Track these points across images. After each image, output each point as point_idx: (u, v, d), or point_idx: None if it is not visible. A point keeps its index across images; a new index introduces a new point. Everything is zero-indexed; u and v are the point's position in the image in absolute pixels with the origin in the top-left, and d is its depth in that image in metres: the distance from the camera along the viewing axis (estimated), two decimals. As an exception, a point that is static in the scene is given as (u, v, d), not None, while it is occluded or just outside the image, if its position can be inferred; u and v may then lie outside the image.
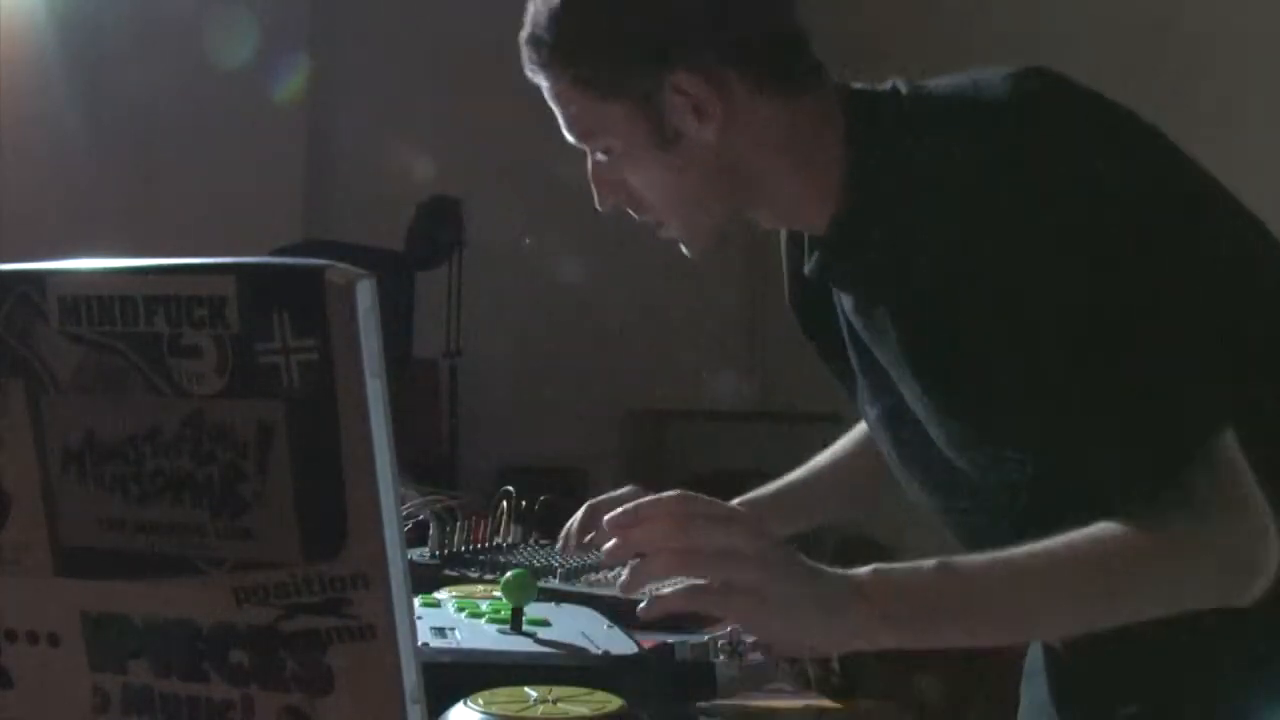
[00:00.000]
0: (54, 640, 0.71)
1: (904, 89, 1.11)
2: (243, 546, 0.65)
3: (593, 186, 1.19)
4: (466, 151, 4.82)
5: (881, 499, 1.48)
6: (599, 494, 1.49)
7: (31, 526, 0.69)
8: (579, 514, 1.44)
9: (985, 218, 1.00)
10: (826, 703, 1.30)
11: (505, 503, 1.83)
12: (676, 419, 5.21)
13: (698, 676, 1.28)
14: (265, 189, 4.44)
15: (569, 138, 1.18)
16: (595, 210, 1.25)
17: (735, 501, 1.41)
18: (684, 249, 1.21)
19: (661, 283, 4.85)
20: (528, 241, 4.87)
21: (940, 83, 1.10)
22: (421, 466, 3.36)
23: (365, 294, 0.61)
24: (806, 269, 1.18)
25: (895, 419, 1.19)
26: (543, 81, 1.16)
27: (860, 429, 1.46)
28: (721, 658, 1.33)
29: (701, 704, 1.26)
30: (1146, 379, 0.97)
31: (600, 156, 1.17)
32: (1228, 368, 1.00)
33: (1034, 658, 1.30)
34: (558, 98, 1.16)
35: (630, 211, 1.19)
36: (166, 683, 0.68)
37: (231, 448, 0.64)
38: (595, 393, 5.11)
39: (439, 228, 4.43)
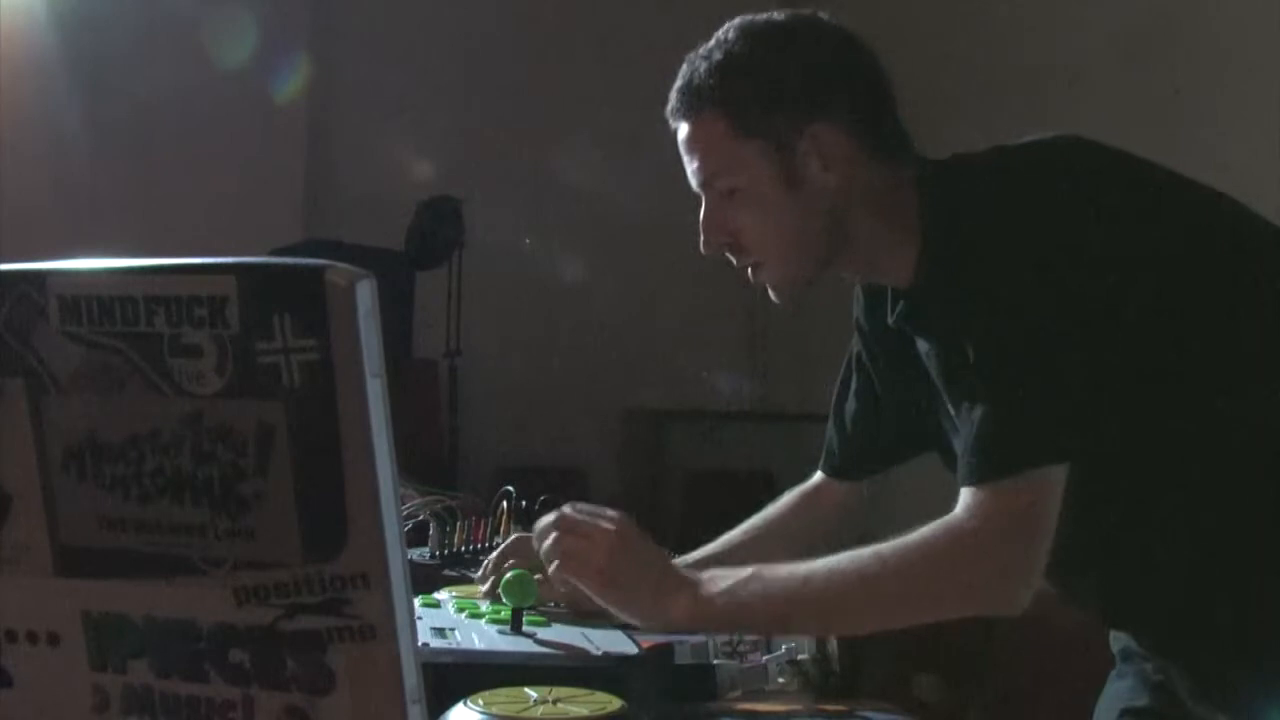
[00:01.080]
0: (54, 640, 0.71)
1: (963, 163, 1.29)
2: (243, 546, 0.65)
3: (702, 230, 1.33)
4: (466, 151, 4.82)
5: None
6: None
7: (31, 526, 0.69)
8: (504, 544, 1.54)
9: (997, 275, 1.18)
10: (826, 703, 1.30)
11: (505, 503, 1.83)
12: (676, 419, 5.21)
13: (697, 677, 1.28)
14: (265, 189, 4.44)
15: (693, 182, 1.34)
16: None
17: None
18: (772, 293, 1.36)
19: (661, 283, 4.85)
20: (528, 241, 4.87)
21: (990, 155, 1.27)
22: (421, 466, 3.37)
23: (365, 294, 0.61)
24: (890, 319, 1.32)
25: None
26: (686, 125, 1.31)
27: (782, 503, 1.61)
28: (721, 659, 1.33)
29: (701, 704, 1.26)
30: (1028, 392, 1.15)
31: (714, 197, 1.32)
32: (1091, 421, 1.16)
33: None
34: (697, 140, 1.31)
35: (730, 256, 1.34)
36: (167, 683, 0.68)
37: (231, 448, 0.64)
38: (595, 393, 5.11)
39: (439, 228, 4.44)
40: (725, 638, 1.42)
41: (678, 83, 1.32)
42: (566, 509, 1.33)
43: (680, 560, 1.55)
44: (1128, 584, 1.27)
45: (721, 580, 1.23)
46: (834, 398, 1.57)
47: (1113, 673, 1.42)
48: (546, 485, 2.03)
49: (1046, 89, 3.95)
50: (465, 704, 1.00)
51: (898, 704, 1.32)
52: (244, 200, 4.28)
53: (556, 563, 1.28)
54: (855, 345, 1.52)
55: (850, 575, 1.18)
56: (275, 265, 0.63)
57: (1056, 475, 1.14)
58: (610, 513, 1.32)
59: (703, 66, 1.30)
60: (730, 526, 1.60)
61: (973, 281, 1.20)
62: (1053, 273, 1.16)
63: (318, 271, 0.61)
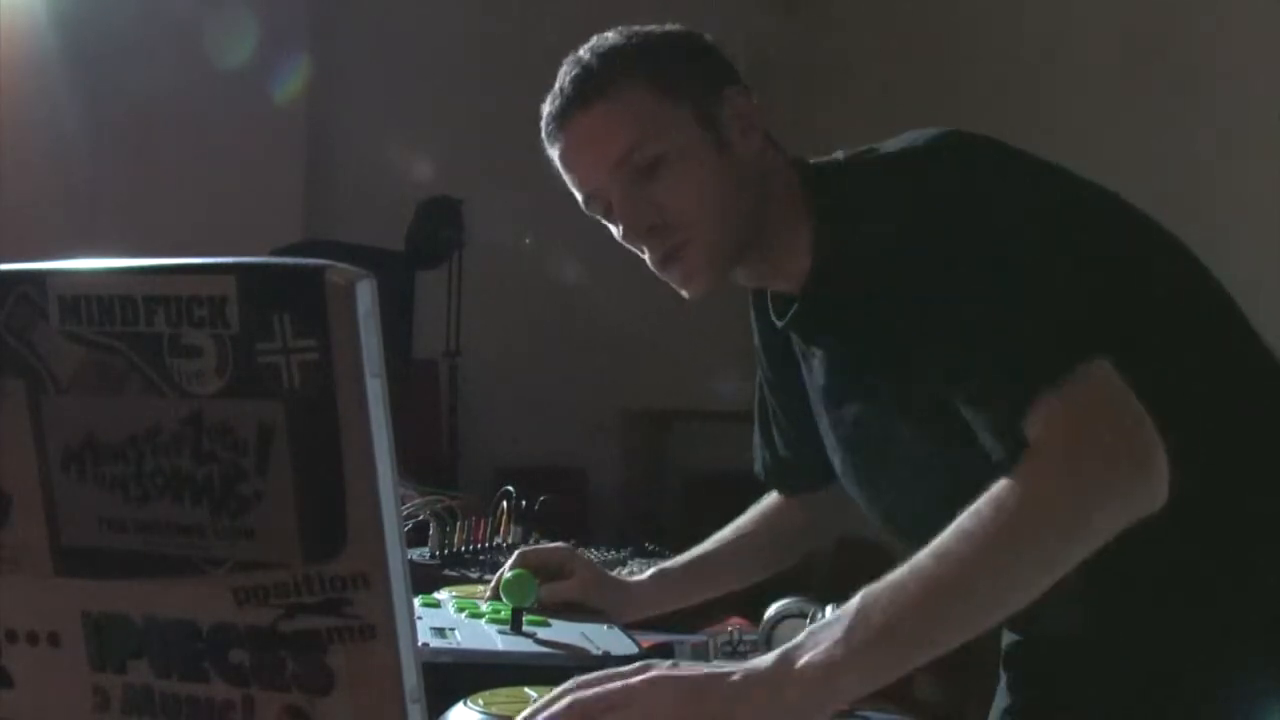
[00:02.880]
0: (54, 640, 0.71)
1: (843, 157, 1.27)
2: (243, 546, 0.65)
3: (622, 215, 1.28)
4: (466, 151, 4.82)
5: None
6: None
7: (31, 526, 0.69)
8: (510, 561, 1.47)
9: (914, 215, 1.15)
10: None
11: (505, 503, 1.84)
12: (676, 419, 5.21)
13: (698, 676, 1.28)
14: (265, 189, 4.44)
15: (591, 180, 1.29)
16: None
17: (649, 573, 1.53)
18: (685, 285, 1.31)
19: (661, 283, 4.85)
20: (528, 241, 4.87)
21: (879, 149, 1.25)
22: (421, 466, 3.36)
23: (365, 294, 0.61)
24: (779, 323, 1.31)
25: (863, 451, 1.29)
26: (592, 108, 1.26)
27: (761, 505, 1.59)
28: (721, 658, 1.33)
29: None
30: (1031, 303, 1.07)
31: (628, 179, 1.25)
32: (1110, 312, 1.08)
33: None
34: (611, 115, 1.25)
35: (647, 245, 1.29)
36: (167, 683, 0.68)
37: (231, 448, 0.64)
38: (595, 393, 5.11)
39: (439, 228, 4.44)
40: (726, 637, 1.42)
41: (568, 77, 1.28)
42: (570, 686, 0.94)
43: (669, 564, 1.56)
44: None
45: (829, 631, 0.96)
46: (755, 415, 1.56)
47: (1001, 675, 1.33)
48: (546, 485, 2.03)
49: (1046, 89, 3.95)
50: (465, 704, 1.00)
51: (898, 704, 1.31)
52: (244, 200, 4.27)
53: None
54: (757, 365, 1.51)
55: (963, 552, 0.97)
56: (275, 265, 0.63)
57: (1105, 366, 1.01)
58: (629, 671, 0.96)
59: (604, 46, 1.28)
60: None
61: (885, 265, 1.14)
62: (978, 200, 1.14)
63: (318, 271, 0.61)
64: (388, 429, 0.62)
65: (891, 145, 1.24)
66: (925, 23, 4.51)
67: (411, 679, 0.64)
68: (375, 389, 0.61)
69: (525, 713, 0.92)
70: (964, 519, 0.98)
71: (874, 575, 1.00)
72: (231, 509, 0.65)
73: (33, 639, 0.71)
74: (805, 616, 1.36)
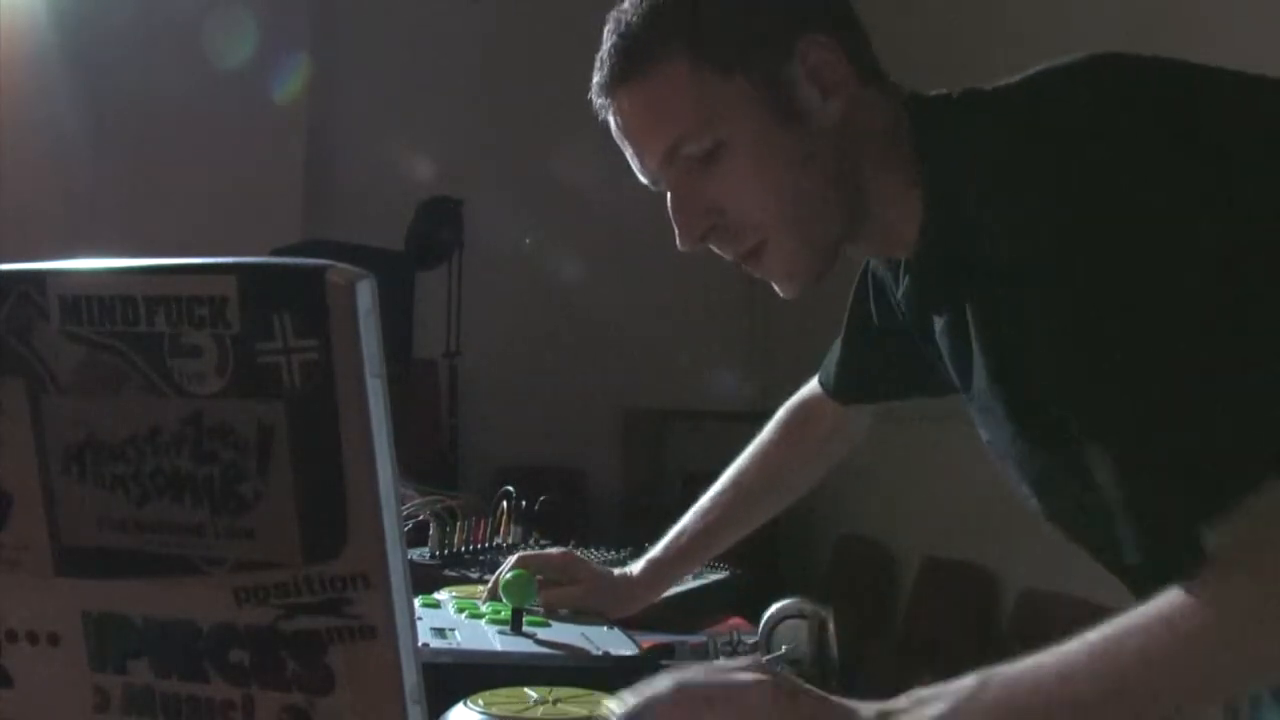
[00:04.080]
0: (54, 640, 0.71)
1: (965, 95, 1.01)
2: (243, 546, 0.65)
3: (676, 218, 1.05)
4: (466, 151, 4.83)
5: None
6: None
7: (31, 526, 0.69)
8: (508, 562, 1.45)
9: (1046, 213, 0.87)
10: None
11: (505, 503, 1.83)
12: (676, 419, 5.21)
13: (698, 677, 1.28)
14: (265, 189, 4.44)
15: (646, 166, 1.06)
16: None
17: (640, 564, 1.50)
18: (782, 284, 1.07)
19: (661, 283, 4.85)
20: (528, 241, 4.87)
21: (1007, 84, 0.96)
22: (421, 466, 3.37)
23: (365, 294, 0.61)
24: (899, 295, 1.10)
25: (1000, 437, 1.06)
26: (629, 88, 1.04)
27: (764, 434, 1.53)
28: (721, 658, 1.33)
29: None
30: (1224, 388, 0.81)
31: (690, 170, 1.03)
32: None
33: None
34: (651, 100, 1.03)
35: (717, 247, 1.06)
36: (167, 683, 0.68)
37: (231, 448, 0.64)
38: (595, 393, 5.11)
39: (439, 228, 4.44)
40: (726, 637, 1.42)
41: (609, 42, 1.04)
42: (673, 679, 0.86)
43: (657, 551, 1.53)
44: None
45: (935, 703, 0.85)
46: (846, 318, 1.37)
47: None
48: (546, 485, 2.03)
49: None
50: (465, 704, 1.00)
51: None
52: (244, 200, 4.28)
53: None
54: (854, 300, 1.33)
55: (1130, 675, 0.81)
56: (275, 265, 0.63)
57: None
58: (742, 670, 0.87)
59: (644, 7, 1.03)
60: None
61: (1004, 238, 0.90)
62: (1120, 219, 0.84)
63: (318, 271, 0.61)
64: (388, 429, 0.62)
65: (1016, 80, 0.95)
66: (925, 22, 4.51)
67: (411, 679, 0.64)
68: (375, 389, 0.61)
69: (629, 698, 0.84)
70: (1126, 632, 0.81)
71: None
72: (231, 509, 0.65)
73: (33, 639, 0.71)
74: (805, 617, 1.36)
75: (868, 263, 1.25)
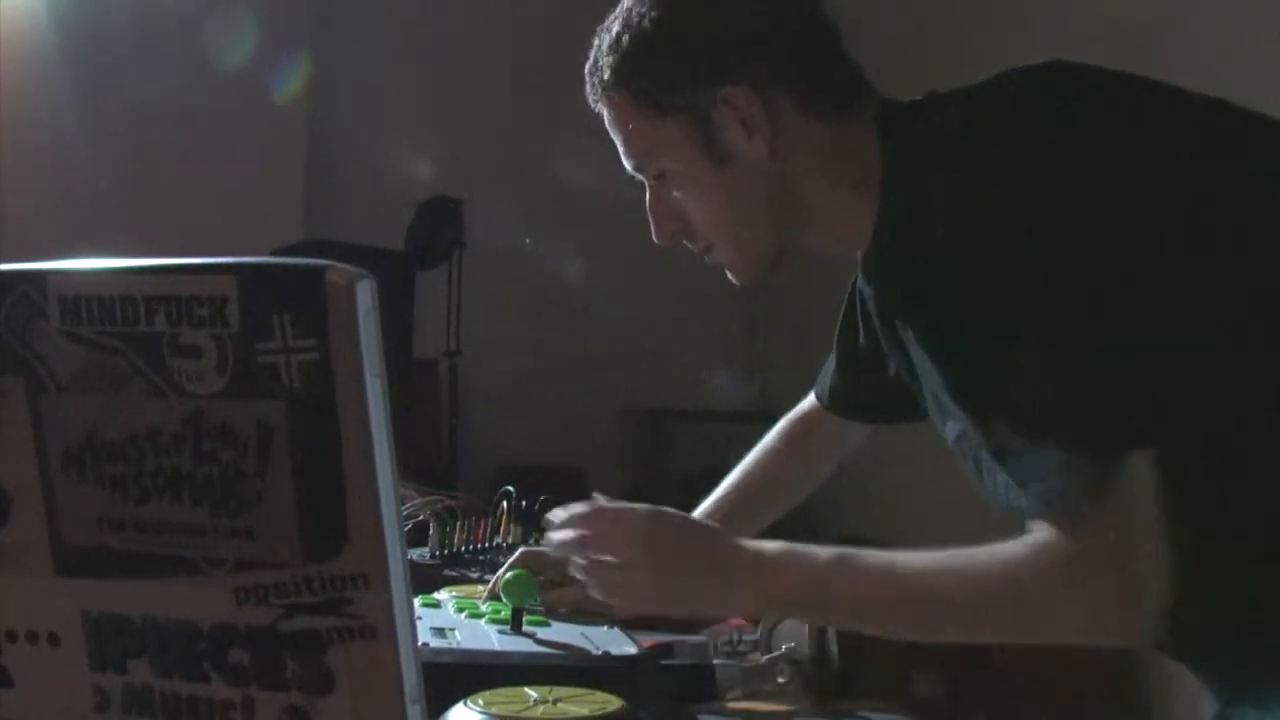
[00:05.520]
0: (54, 640, 0.71)
1: (923, 104, 1.14)
2: (243, 546, 0.65)
3: (650, 218, 1.22)
4: (466, 151, 4.82)
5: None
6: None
7: (32, 526, 0.69)
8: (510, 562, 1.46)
9: (989, 227, 1.00)
10: (826, 703, 1.30)
11: (505, 503, 1.83)
12: (676, 419, 5.21)
13: (697, 677, 1.28)
14: (265, 189, 4.44)
15: (628, 168, 1.22)
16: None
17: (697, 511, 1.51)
18: (731, 275, 1.23)
19: (661, 283, 4.85)
20: (528, 241, 4.87)
21: (964, 91, 1.11)
22: (421, 466, 3.36)
23: (365, 294, 0.61)
24: (863, 287, 1.20)
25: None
26: (604, 110, 1.20)
27: (784, 439, 1.57)
28: (721, 659, 1.33)
29: (701, 704, 1.26)
30: (1085, 377, 0.97)
31: (654, 183, 1.20)
32: (1175, 388, 0.97)
33: None
34: (617, 123, 1.19)
35: (686, 243, 1.22)
36: (167, 683, 0.68)
37: (231, 448, 0.64)
38: (595, 393, 5.11)
39: (439, 228, 4.43)
40: (726, 637, 1.42)
41: (588, 63, 1.20)
42: (579, 507, 1.20)
43: (703, 509, 1.53)
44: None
45: (797, 559, 1.09)
46: (837, 329, 1.44)
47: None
48: (546, 485, 2.03)
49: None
50: (465, 704, 1.00)
51: (898, 704, 1.32)
52: (244, 200, 4.27)
53: (589, 577, 1.16)
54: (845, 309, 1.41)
55: (950, 589, 1.04)
56: (275, 265, 0.63)
57: (1141, 467, 0.95)
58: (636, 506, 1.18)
59: (605, 42, 1.18)
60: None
61: (948, 247, 1.01)
62: (1050, 216, 0.98)
63: (318, 271, 0.61)
64: (388, 429, 0.62)
65: (971, 88, 1.10)
66: (924, 21, 4.51)
67: (411, 679, 0.64)
68: (375, 389, 0.61)
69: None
70: (974, 558, 1.03)
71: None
72: (231, 509, 0.65)
73: (33, 639, 0.71)
74: (805, 616, 1.36)
75: (854, 283, 1.33)
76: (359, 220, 4.47)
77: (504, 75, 4.89)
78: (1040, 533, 1.00)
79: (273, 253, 3.27)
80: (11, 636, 0.71)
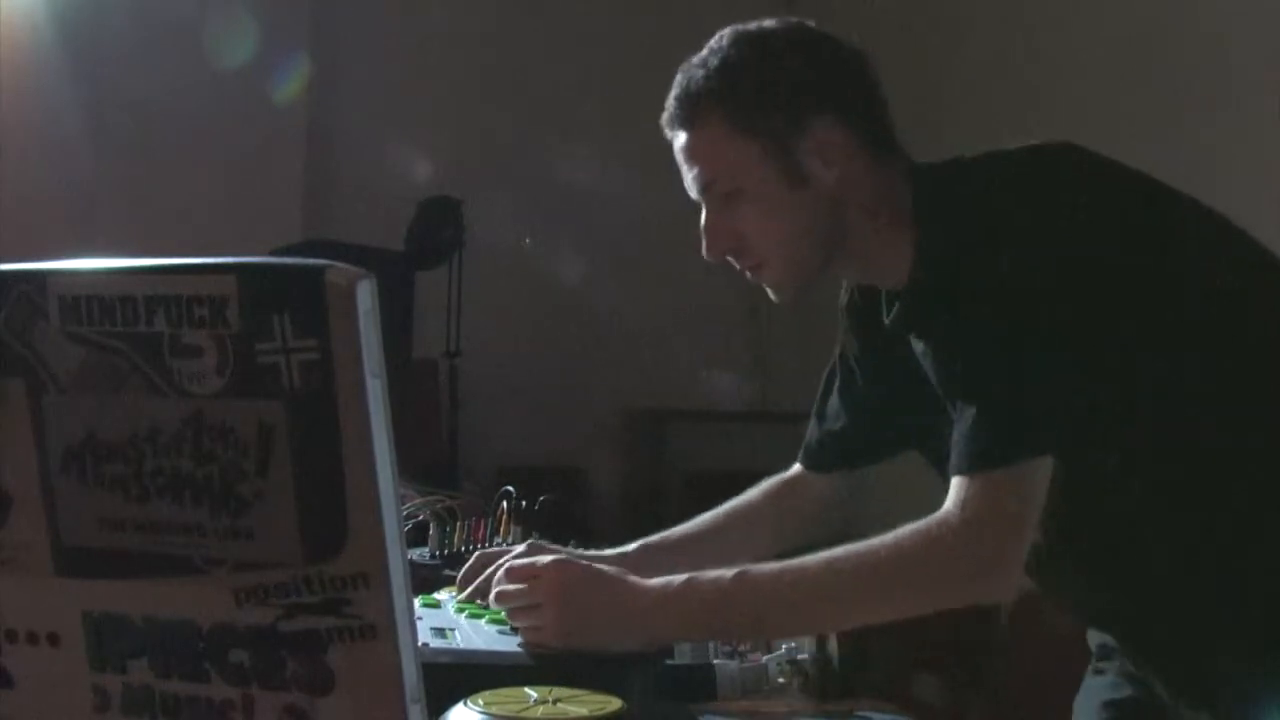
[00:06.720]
0: (54, 640, 0.71)
1: (956, 165, 1.32)
2: (243, 546, 0.65)
3: (705, 236, 1.34)
4: (466, 151, 4.82)
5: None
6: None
7: (32, 526, 0.69)
8: (470, 562, 1.51)
9: (988, 275, 1.21)
10: (826, 703, 1.30)
11: (505, 503, 1.83)
12: (676, 419, 5.21)
13: (697, 677, 1.28)
14: (265, 189, 4.43)
15: (693, 190, 1.35)
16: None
17: (633, 546, 1.55)
18: (773, 293, 1.37)
19: (661, 283, 4.85)
20: (528, 241, 4.87)
21: (988, 158, 1.29)
22: (421, 466, 3.36)
23: (365, 294, 0.61)
24: (886, 320, 1.35)
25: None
26: (683, 132, 1.33)
27: (759, 490, 1.60)
28: (721, 659, 1.33)
29: (701, 704, 1.26)
30: (1017, 392, 1.18)
31: (719, 203, 1.33)
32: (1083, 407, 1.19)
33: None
34: (699, 143, 1.32)
35: (731, 259, 1.35)
36: (167, 683, 0.68)
37: (231, 448, 0.64)
38: (595, 393, 5.11)
39: (439, 228, 4.43)
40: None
41: (674, 91, 1.34)
42: (503, 570, 1.33)
43: (655, 539, 1.57)
44: (1108, 585, 1.29)
45: (697, 589, 1.23)
46: (819, 391, 1.58)
47: (1090, 669, 1.44)
48: (546, 485, 2.03)
49: (1045, 90, 3.95)
50: (465, 704, 1.00)
51: (898, 704, 1.32)
52: (244, 200, 4.27)
53: (512, 620, 1.28)
54: (842, 340, 1.53)
55: (845, 570, 1.20)
56: (275, 265, 0.63)
57: (1041, 467, 1.17)
58: (546, 556, 1.33)
59: (699, 73, 1.32)
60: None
61: (967, 281, 1.22)
62: (1044, 273, 1.19)
63: (318, 271, 0.61)
64: (388, 429, 0.62)
65: (994, 155, 1.29)
66: (927, 21, 4.51)
67: (411, 679, 0.64)
68: (375, 389, 0.61)
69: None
70: (869, 542, 1.20)
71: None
72: (231, 509, 0.65)
73: (33, 639, 0.71)
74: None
75: (841, 334, 1.52)
76: (359, 220, 4.46)
77: (504, 75, 4.89)
78: (934, 513, 1.18)
79: (273, 253, 3.27)
80: (11, 636, 0.71)
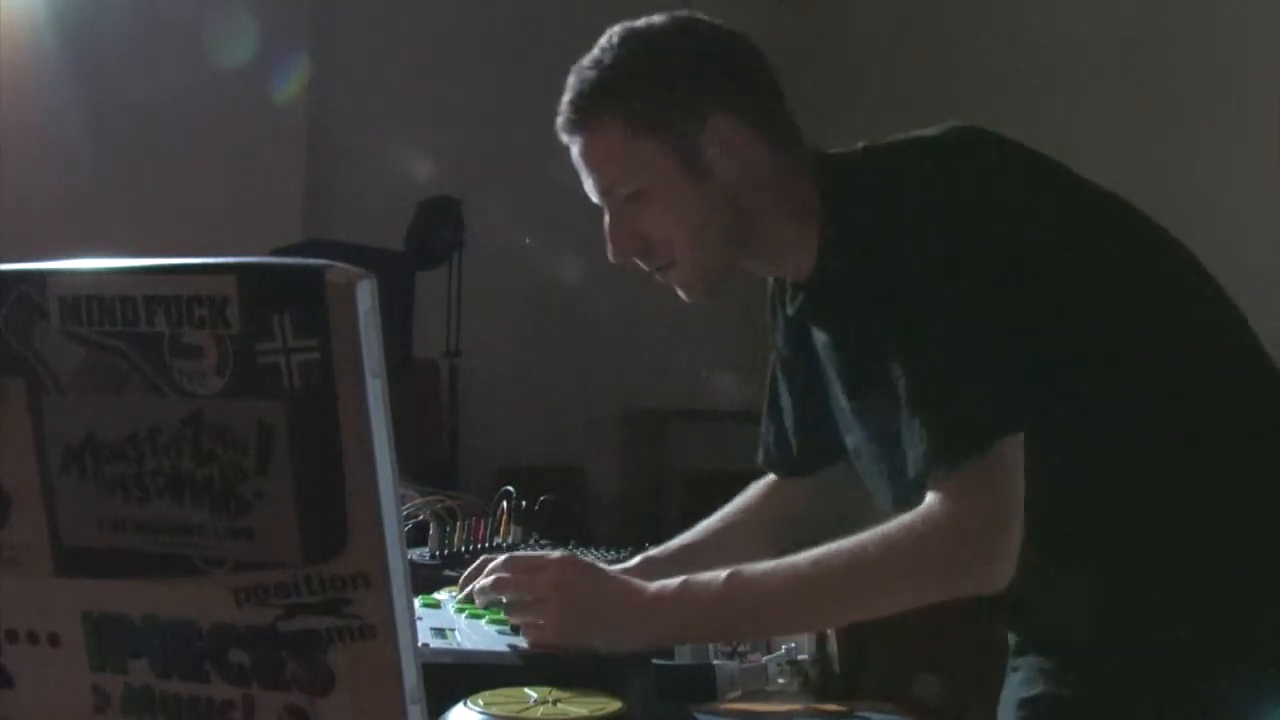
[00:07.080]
0: (54, 640, 0.71)
1: (862, 153, 1.31)
2: (243, 546, 0.65)
3: (609, 240, 1.34)
4: (466, 151, 4.82)
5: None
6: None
7: (32, 526, 0.69)
8: (474, 565, 1.48)
9: (903, 255, 1.21)
10: (826, 703, 1.30)
11: (505, 503, 1.83)
12: (676, 419, 5.21)
13: (697, 677, 1.28)
14: (265, 189, 4.43)
15: (593, 194, 1.34)
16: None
17: (636, 559, 1.55)
18: (682, 293, 1.37)
19: (660, 283, 4.86)
20: (528, 241, 4.87)
21: (892, 145, 1.29)
22: (421, 466, 3.36)
23: (365, 294, 0.61)
24: (790, 310, 1.35)
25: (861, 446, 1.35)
26: (580, 136, 1.31)
27: (750, 492, 1.61)
28: (721, 659, 1.33)
29: (701, 704, 1.26)
30: (966, 367, 1.17)
31: (621, 205, 1.32)
32: (1043, 379, 1.17)
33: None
34: (596, 147, 1.31)
35: (639, 261, 1.36)
36: (167, 683, 0.68)
37: (231, 448, 0.64)
38: (595, 393, 5.11)
39: (439, 228, 4.43)
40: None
41: (567, 95, 1.32)
42: (504, 559, 1.33)
43: (656, 551, 1.57)
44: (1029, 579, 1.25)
45: (692, 591, 1.22)
46: (766, 396, 1.58)
47: (1008, 665, 1.42)
48: (546, 485, 2.03)
49: (1045, 90, 3.95)
50: (465, 704, 1.00)
51: (898, 704, 1.32)
52: (244, 200, 4.27)
53: (510, 614, 1.27)
54: (771, 338, 1.54)
55: (836, 568, 1.19)
56: (275, 265, 0.63)
57: (1014, 444, 1.15)
58: (552, 554, 1.32)
59: (592, 75, 1.30)
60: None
61: (879, 265, 1.21)
62: (959, 246, 1.18)
63: (318, 271, 0.61)
64: (388, 429, 0.62)
65: (899, 142, 1.28)
66: (933, 20, 4.52)
67: (411, 679, 0.64)
68: (375, 389, 0.61)
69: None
70: (858, 537, 1.18)
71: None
72: (231, 509, 0.65)
73: (33, 639, 0.71)
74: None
75: (777, 337, 1.54)
76: (359, 220, 4.46)
77: (504, 75, 4.88)
78: (917, 508, 1.17)
79: (273, 253, 3.27)
80: (11, 636, 0.71)
